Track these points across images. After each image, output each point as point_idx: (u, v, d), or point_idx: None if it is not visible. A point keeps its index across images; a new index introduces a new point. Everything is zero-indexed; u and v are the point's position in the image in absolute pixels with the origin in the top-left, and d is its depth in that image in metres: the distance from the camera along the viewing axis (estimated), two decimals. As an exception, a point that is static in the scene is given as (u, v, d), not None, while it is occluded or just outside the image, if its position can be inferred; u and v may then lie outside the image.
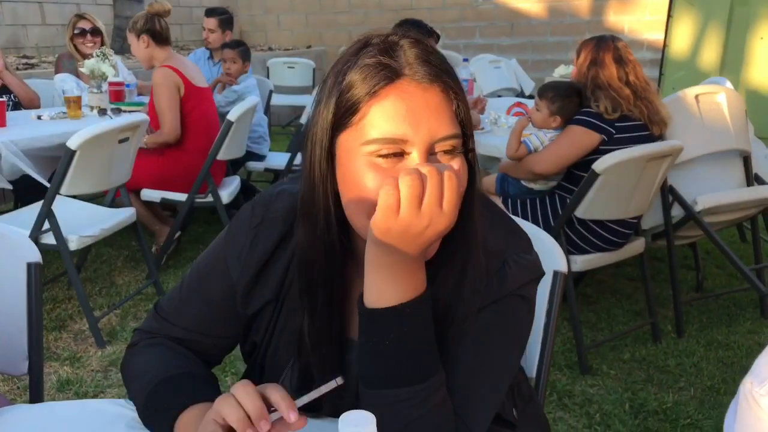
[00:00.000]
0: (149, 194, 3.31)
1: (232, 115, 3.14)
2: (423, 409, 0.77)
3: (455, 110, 0.79)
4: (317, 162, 0.82)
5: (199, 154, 3.33)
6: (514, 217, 0.95)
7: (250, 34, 9.19)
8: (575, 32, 7.37)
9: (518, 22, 7.76)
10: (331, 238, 0.83)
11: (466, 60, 3.97)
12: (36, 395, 1.23)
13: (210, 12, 4.56)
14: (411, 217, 0.71)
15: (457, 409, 0.80)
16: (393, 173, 0.74)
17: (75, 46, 3.99)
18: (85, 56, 3.89)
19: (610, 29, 7.20)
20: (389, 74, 0.77)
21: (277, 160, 4.17)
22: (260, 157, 4.12)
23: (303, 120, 4.15)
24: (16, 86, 3.69)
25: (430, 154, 0.77)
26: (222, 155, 3.24)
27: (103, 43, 4.01)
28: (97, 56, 3.63)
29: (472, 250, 0.83)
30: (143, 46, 3.30)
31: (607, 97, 2.44)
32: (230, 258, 0.92)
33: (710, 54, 6.55)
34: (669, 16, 6.75)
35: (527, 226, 1.31)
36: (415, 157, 0.76)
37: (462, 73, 3.69)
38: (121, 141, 2.67)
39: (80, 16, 4.01)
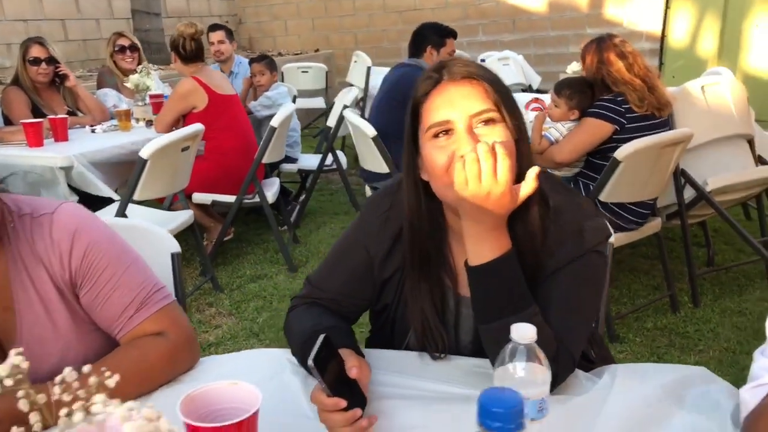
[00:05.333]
0: (200, 197, 3.58)
1: (275, 121, 3.40)
2: None
3: (487, 93, 1.06)
4: (405, 156, 1.14)
5: (236, 153, 3.62)
6: None
7: (258, 40, 9.44)
8: (575, 26, 7.63)
9: (519, 18, 8.01)
10: (419, 211, 1.13)
11: (483, 61, 4.22)
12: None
13: (215, 26, 4.83)
14: (476, 189, 0.97)
15: (558, 335, 1.05)
16: (449, 147, 1.03)
17: (114, 62, 4.24)
18: (124, 71, 4.15)
19: (609, 22, 7.46)
20: (433, 82, 1.08)
21: (309, 161, 4.45)
22: (292, 160, 4.39)
23: (330, 123, 4.41)
24: (89, 99, 3.86)
25: (473, 128, 1.04)
26: (265, 159, 3.51)
27: (140, 58, 4.26)
28: (140, 71, 3.90)
29: (534, 208, 1.09)
30: (173, 61, 3.61)
31: (631, 89, 2.70)
32: (368, 237, 1.22)
33: (708, 42, 6.80)
34: (667, 7, 7.00)
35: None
36: (460, 129, 1.03)
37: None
38: (183, 150, 2.94)
39: (119, 34, 4.26)
